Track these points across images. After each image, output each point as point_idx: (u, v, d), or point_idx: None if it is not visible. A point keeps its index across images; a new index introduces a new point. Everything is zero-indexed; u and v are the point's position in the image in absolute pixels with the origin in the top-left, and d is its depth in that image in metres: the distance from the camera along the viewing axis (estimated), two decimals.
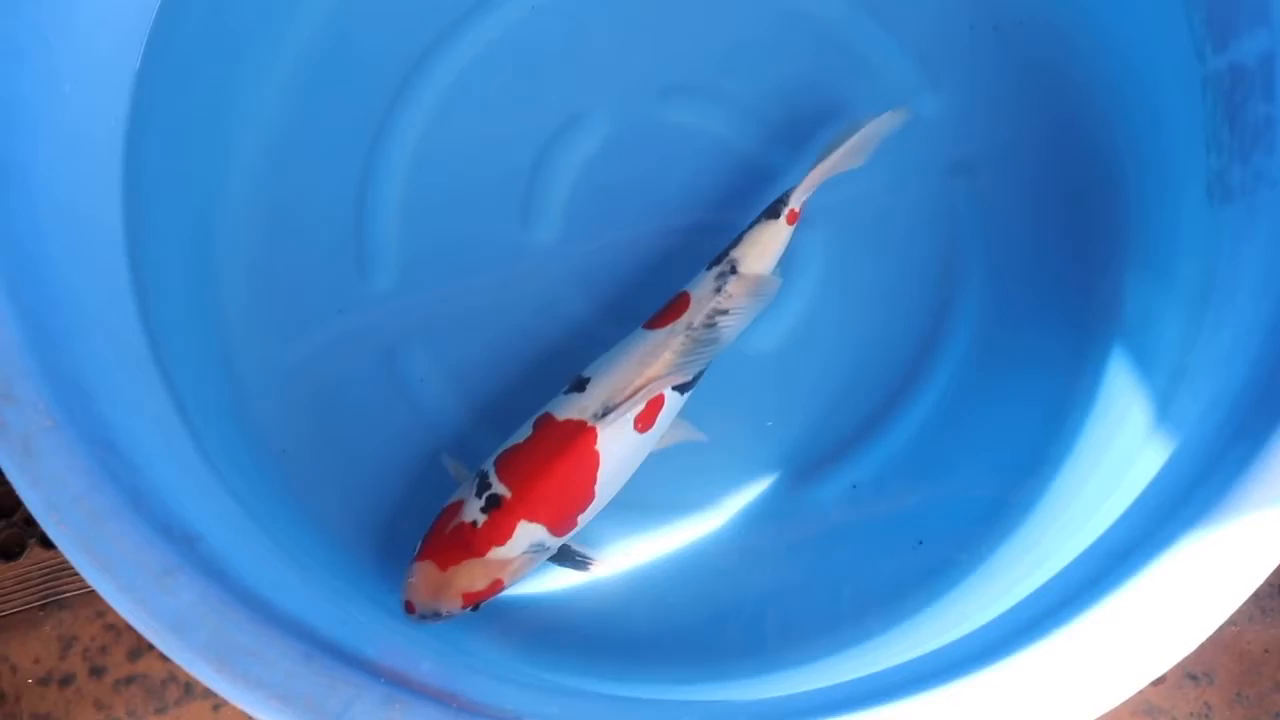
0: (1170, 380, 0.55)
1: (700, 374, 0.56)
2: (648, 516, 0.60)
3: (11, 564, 0.63)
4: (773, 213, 0.57)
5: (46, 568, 0.63)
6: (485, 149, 0.64)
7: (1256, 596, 0.64)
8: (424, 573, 0.52)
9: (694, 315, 0.55)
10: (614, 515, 0.58)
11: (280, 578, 0.47)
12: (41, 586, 0.63)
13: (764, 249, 0.57)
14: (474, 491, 0.53)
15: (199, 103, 0.62)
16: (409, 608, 0.52)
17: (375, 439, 0.60)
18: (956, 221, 0.63)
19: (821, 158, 0.58)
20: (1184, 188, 0.57)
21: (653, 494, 0.60)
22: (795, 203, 0.57)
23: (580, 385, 0.54)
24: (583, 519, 0.55)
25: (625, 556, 0.59)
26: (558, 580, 0.59)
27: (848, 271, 0.63)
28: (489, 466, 0.54)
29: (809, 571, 0.60)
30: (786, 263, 0.60)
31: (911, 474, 0.61)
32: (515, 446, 0.54)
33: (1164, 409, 0.54)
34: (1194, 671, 0.63)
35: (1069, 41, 0.62)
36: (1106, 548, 0.50)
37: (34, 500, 0.42)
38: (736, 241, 0.57)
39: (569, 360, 0.58)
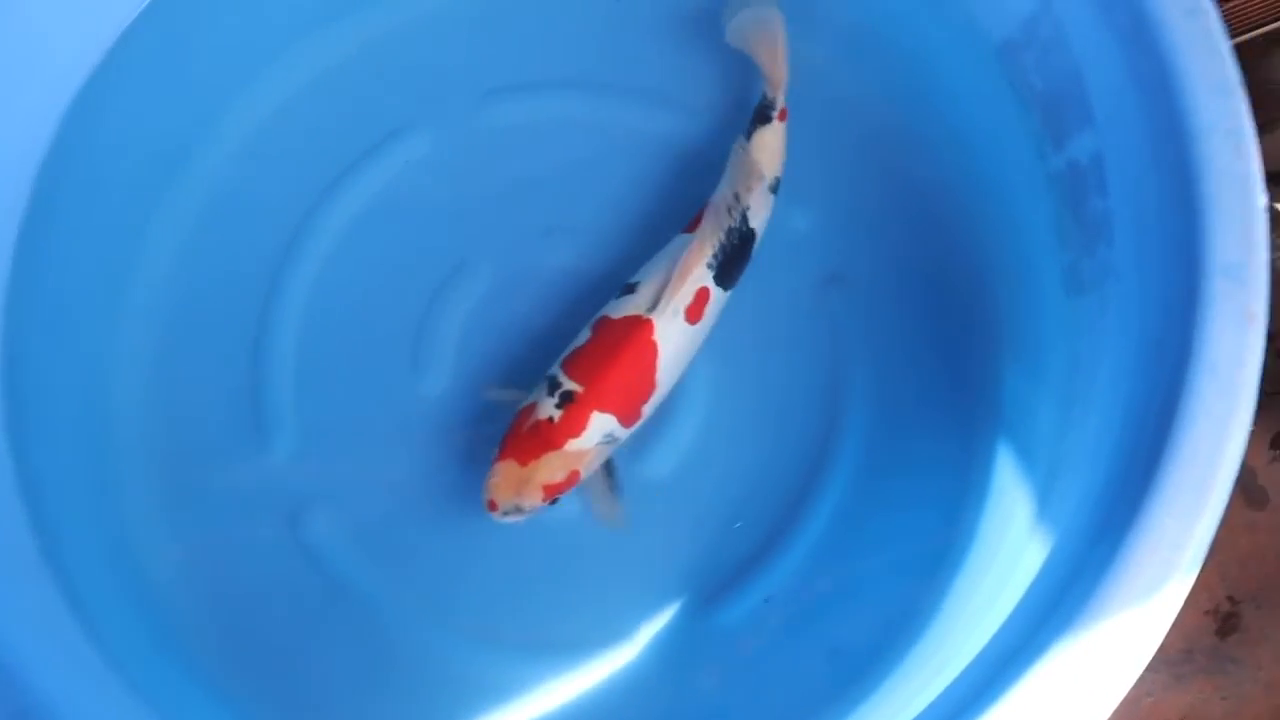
0: (1047, 475, 0.56)
1: (740, 274, 0.60)
2: (552, 657, 0.61)
3: None
4: (764, 119, 0.60)
5: None
6: (375, 302, 0.65)
7: (1169, 663, 0.65)
8: (505, 471, 0.56)
9: (728, 213, 0.58)
10: (516, 658, 0.59)
11: None
12: None
13: (773, 151, 0.60)
14: (545, 392, 0.57)
15: (82, 277, 0.63)
16: (491, 506, 0.56)
17: (285, 613, 0.61)
18: (836, 332, 0.64)
19: (773, 58, 0.60)
20: (1044, 281, 0.59)
21: (556, 632, 0.61)
22: (782, 102, 0.60)
23: (630, 289, 0.58)
24: (646, 409, 0.58)
25: (531, 703, 0.60)
26: None
27: (735, 391, 0.64)
28: (555, 370, 0.57)
29: (726, 697, 0.61)
30: (674, 388, 0.61)
31: (820, 583, 0.62)
32: (577, 349, 0.58)
33: (1043, 505, 0.55)
34: None
35: (923, 146, 0.64)
36: (995, 652, 0.50)
37: None
38: (747, 146, 0.60)
39: (472, 501, 0.60)
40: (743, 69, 0.65)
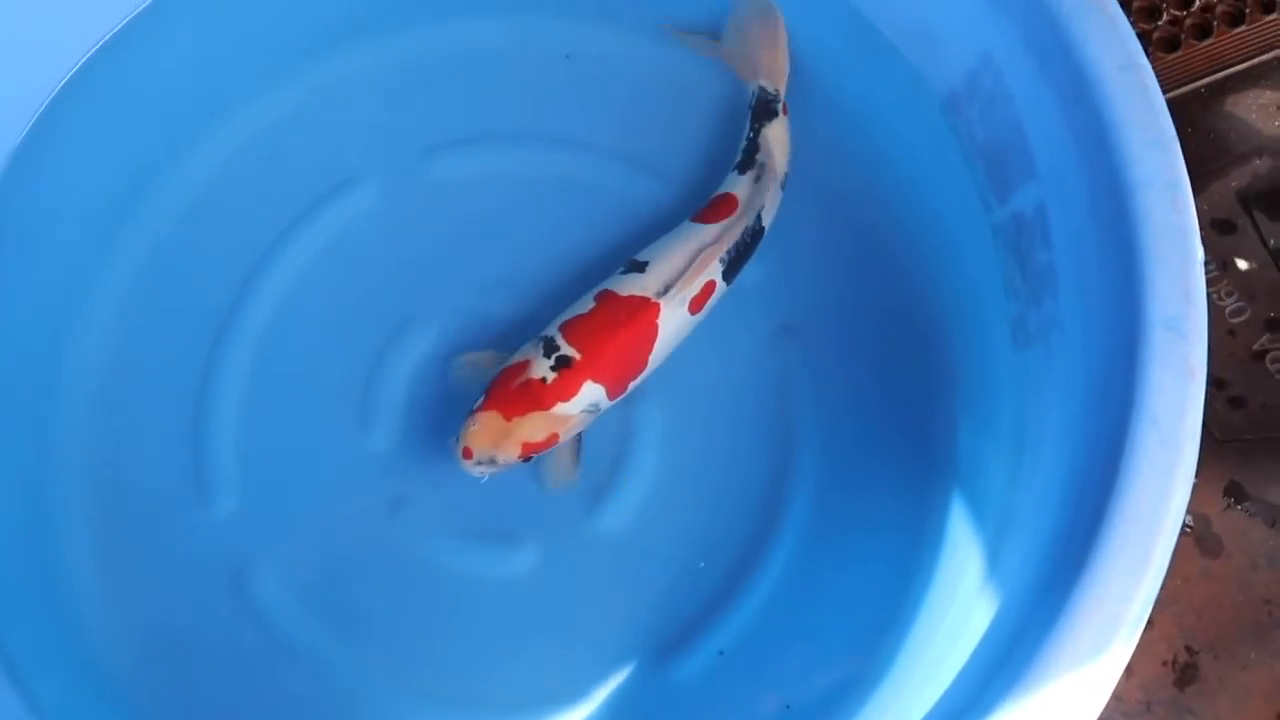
0: (998, 529, 0.56)
1: (741, 270, 0.61)
2: (506, 716, 0.60)
3: None
4: (770, 113, 0.63)
5: None
6: (321, 357, 0.65)
7: (1128, 715, 0.65)
8: (487, 421, 0.56)
9: (744, 211, 0.60)
10: (470, 717, 0.58)
11: None
12: None
13: (782, 145, 0.63)
14: (540, 353, 0.57)
15: (19, 332, 0.63)
16: (466, 453, 0.56)
17: (230, 675, 0.60)
18: (788, 384, 0.64)
19: (774, 48, 0.63)
20: (992, 334, 0.60)
21: (510, 691, 0.60)
22: (784, 97, 0.63)
23: (639, 267, 0.59)
24: (631, 385, 0.59)
25: None
26: None
27: (686, 443, 0.64)
28: (554, 332, 0.58)
29: None
30: (626, 445, 0.63)
31: (774, 636, 0.62)
32: (579, 316, 0.59)
33: (994, 559, 0.55)
34: None
35: (873, 198, 0.65)
36: (945, 710, 0.50)
37: None
38: (754, 146, 0.62)
39: (424, 564, 0.61)
40: (690, 121, 0.66)
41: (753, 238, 0.61)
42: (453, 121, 0.68)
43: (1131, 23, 0.70)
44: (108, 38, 0.64)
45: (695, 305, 0.60)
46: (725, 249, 0.60)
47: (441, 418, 0.64)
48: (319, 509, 0.63)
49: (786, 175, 0.63)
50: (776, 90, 0.63)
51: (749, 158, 0.63)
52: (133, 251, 0.65)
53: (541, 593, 0.62)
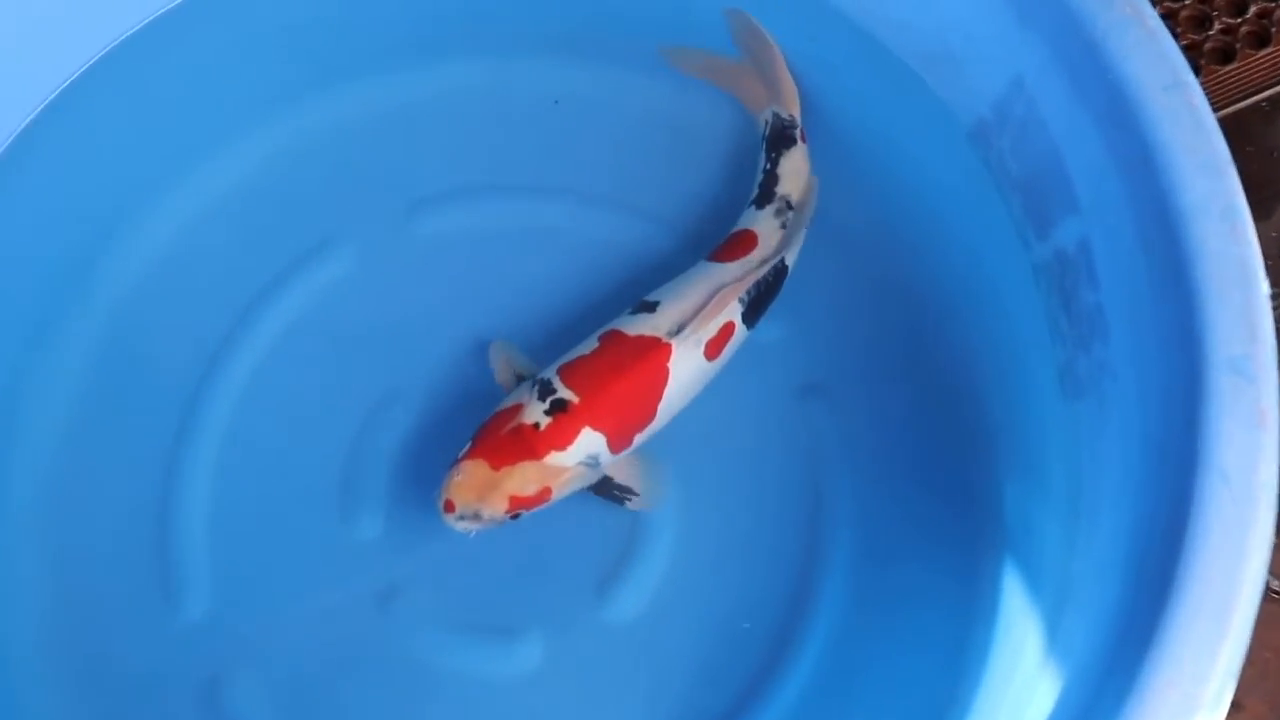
0: (1056, 600, 0.56)
1: (765, 312, 0.61)
2: None
3: None
4: (788, 140, 0.62)
5: None
6: (297, 437, 0.65)
7: None
8: (473, 471, 0.55)
9: (764, 248, 0.60)
10: None
11: None
12: None
13: (801, 174, 0.62)
14: (535, 395, 0.57)
15: None
16: (448, 507, 0.55)
17: None
18: (814, 450, 0.64)
19: (778, 69, 0.63)
20: (1039, 384, 0.59)
21: None
22: (800, 122, 0.62)
23: (649, 307, 0.59)
24: (638, 439, 0.58)
25: None
26: None
27: (704, 521, 0.63)
28: (551, 375, 0.57)
29: None
30: (638, 523, 0.62)
31: None
32: (581, 358, 0.58)
33: (1053, 636, 0.54)
34: None
35: (900, 241, 0.65)
36: None
37: None
38: (772, 178, 0.62)
39: (418, 664, 0.60)
40: (691, 163, 0.66)
41: (775, 277, 0.61)
42: (437, 174, 0.68)
43: (1178, 34, 0.70)
44: (58, 91, 0.65)
45: (712, 349, 0.59)
46: (745, 288, 0.59)
47: (432, 499, 0.63)
48: (299, 607, 0.63)
49: (811, 207, 0.62)
50: (792, 116, 0.63)
51: (767, 191, 0.62)
52: (86, 326, 0.65)
53: (549, 693, 0.61)
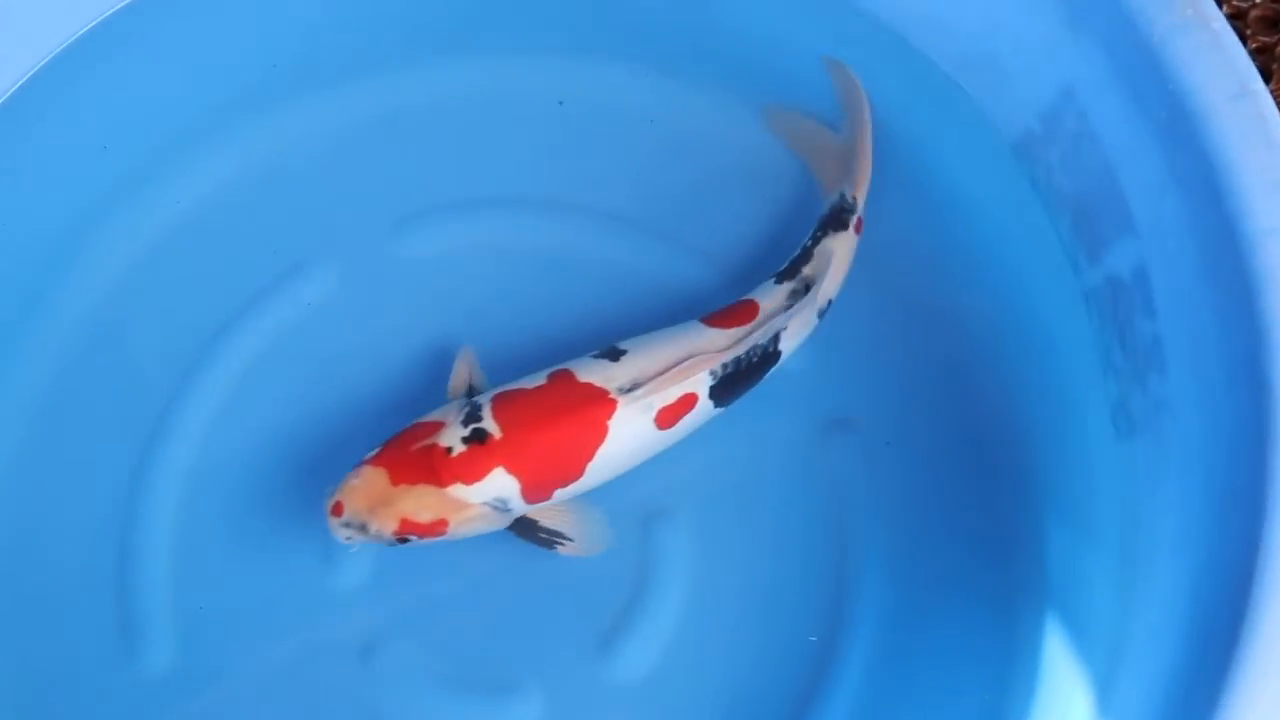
0: (1109, 659, 0.56)
1: (739, 396, 0.60)
2: None
3: None
4: (839, 224, 0.61)
5: None
6: (272, 481, 0.65)
7: None
8: (371, 479, 0.56)
9: (759, 327, 0.59)
10: None
11: None
12: None
13: (842, 268, 0.61)
14: (460, 419, 0.57)
15: None
16: (336, 509, 0.56)
17: None
18: (840, 489, 0.64)
19: (859, 146, 0.62)
20: (1088, 422, 0.60)
21: None
22: (860, 209, 0.62)
23: (614, 355, 0.58)
24: (559, 495, 0.58)
25: None
26: None
27: (718, 569, 0.63)
28: (483, 400, 0.57)
29: None
30: (646, 572, 0.62)
31: None
32: (520, 390, 0.58)
33: (1105, 700, 0.55)
34: None
35: (937, 265, 0.65)
36: None
37: None
38: (806, 256, 0.61)
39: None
40: (714, 180, 0.66)
41: (761, 361, 0.60)
42: (427, 187, 0.68)
43: (1247, 37, 0.70)
44: (17, 85, 0.65)
45: (665, 419, 0.58)
46: (720, 362, 0.58)
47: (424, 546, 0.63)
48: (273, 660, 0.63)
49: (830, 304, 0.62)
50: (854, 199, 0.62)
51: (794, 268, 0.62)
52: (52, 340, 0.66)
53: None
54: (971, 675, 0.61)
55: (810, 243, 0.62)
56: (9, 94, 0.65)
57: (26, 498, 0.64)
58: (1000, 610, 0.61)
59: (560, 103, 0.69)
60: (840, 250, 0.61)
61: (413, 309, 0.67)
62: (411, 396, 0.65)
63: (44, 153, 0.67)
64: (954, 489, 0.64)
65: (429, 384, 0.65)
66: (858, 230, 0.62)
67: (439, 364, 0.65)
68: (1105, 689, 0.55)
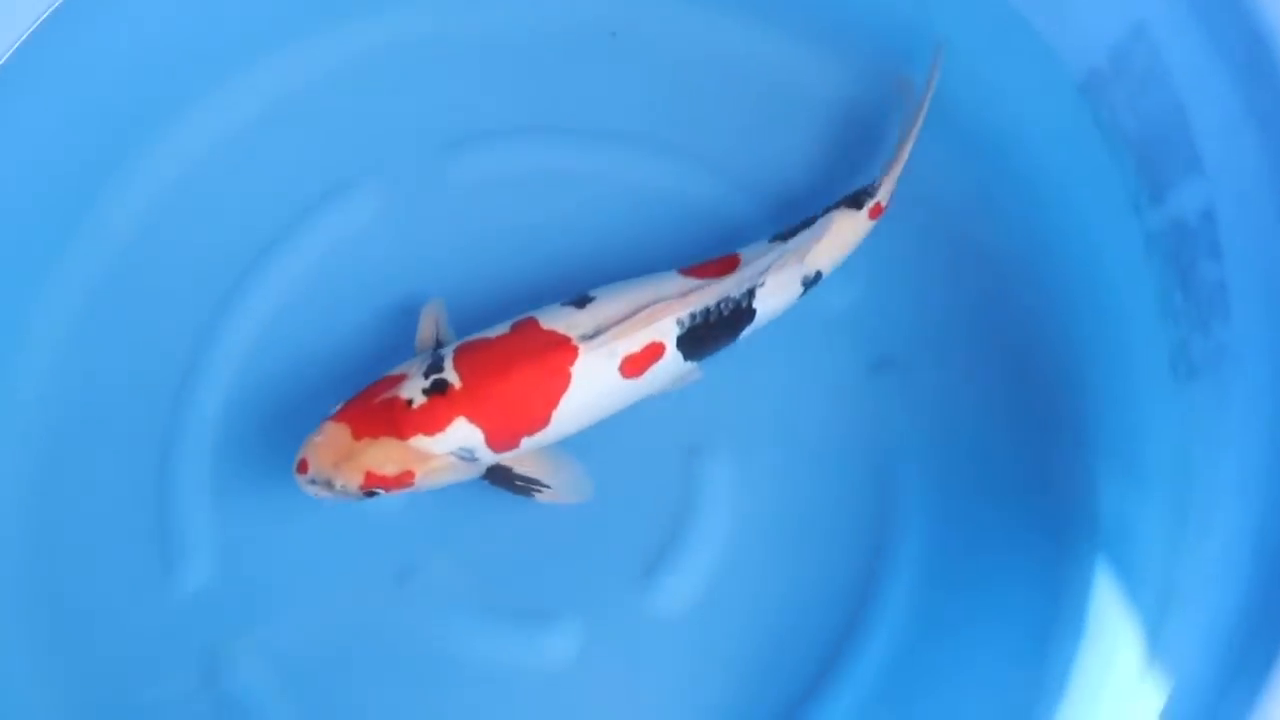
0: (1159, 603, 0.56)
1: (711, 351, 0.59)
2: None
3: None
4: (854, 202, 0.60)
5: None
6: (310, 400, 0.63)
7: None
8: (333, 434, 0.55)
9: (736, 281, 0.58)
10: None
11: None
12: None
13: (838, 242, 0.60)
14: (422, 370, 0.56)
15: None
16: (302, 466, 0.56)
17: None
18: (885, 430, 0.64)
19: (903, 138, 0.60)
20: (1145, 364, 0.59)
21: None
22: (882, 196, 0.60)
23: (581, 302, 0.58)
24: (526, 443, 0.57)
25: None
26: None
27: (762, 508, 0.63)
28: (446, 351, 0.57)
29: None
30: (688, 506, 0.62)
31: None
32: (483, 339, 0.57)
33: (1155, 642, 0.54)
34: None
35: (990, 202, 0.65)
36: None
37: None
38: (808, 223, 0.60)
39: (438, 649, 0.61)
40: (765, 114, 0.66)
41: (734, 316, 0.59)
42: (476, 114, 0.67)
43: None
44: (39, 22, 0.63)
45: (631, 367, 0.57)
46: (689, 311, 0.57)
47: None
48: (309, 581, 0.62)
49: (820, 275, 0.61)
50: (876, 185, 0.60)
51: (792, 231, 0.60)
52: (91, 264, 0.65)
53: (583, 687, 0.61)
54: (1014, 618, 0.60)
55: (820, 212, 0.61)
56: (51, 11, 0.63)
57: (67, 417, 0.63)
58: (1045, 554, 0.61)
59: (613, 34, 0.67)
60: (844, 226, 0.60)
61: (453, 231, 0.66)
62: (448, 312, 0.63)
63: (88, 71, 0.65)
64: (1000, 432, 0.63)
65: (467, 302, 0.64)
66: (872, 215, 0.60)
67: (479, 287, 0.64)
68: (1156, 632, 0.54)
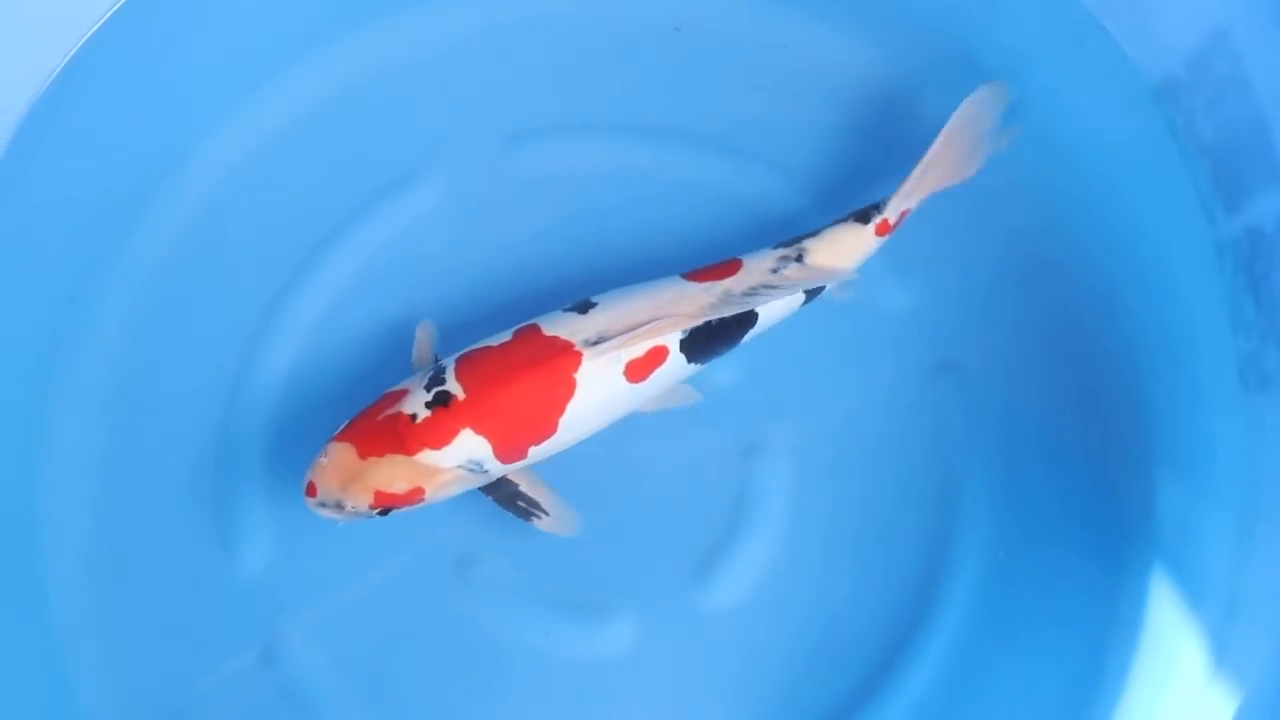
0: (1224, 613, 0.55)
1: (714, 354, 0.58)
2: None
3: None
4: (862, 216, 0.59)
5: None
6: (369, 388, 0.62)
7: None
8: (339, 455, 0.54)
9: (738, 284, 0.57)
10: None
11: None
12: None
13: (840, 251, 0.59)
14: (423, 384, 0.55)
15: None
16: (310, 490, 0.54)
17: None
18: (946, 435, 0.63)
19: (923, 160, 0.59)
20: (1212, 374, 0.59)
21: None
22: (890, 213, 0.59)
23: (583, 307, 0.57)
24: (535, 453, 0.56)
25: None
26: None
27: (818, 507, 0.63)
28: (448, 362, 0.56)
29: None
30: (744, 504, 0.62)
31: None
32: (485, 348, 0.56)
33: (1220, 653, 0.53)
34: None
35: (1057, 207, 0.64)
36: None
37: None
38: (813, 234, 0.59)
39: (494, 639, 0.61)
40: (828, 114, 0.65)
41: (737, 323, 0.58)
42: (539, 107, 0.67)
43: None
44: (107, 17, 0.64)
45: (635, 372, 0.56)
46: (691, 313, 0.57)
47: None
48: (366, 569, 0.62)
49: (820, 290, 0.60)
50: (886, 201, 0.59)
51: (796, 240, 0.60)
52: (152, 250, 0.65)
53: (635, 681, 0.61)
54: (1073, 627, 0.60)
55: (832, 222, 0.60)
56: (122, 4, 0.63)
57: (128, 399, 0.63)
58: (1105, 564, 0.60)
59: (677, 29, 0.67)
60: (848, 241, 0.59)
61: (514, 223, 0.65)
62: (510, 304, 0.64)
63: (159, 57, 0.66)
64: (1062, 439, 0.63)
65: (529, 293, 0.64)
66: (879, 232, 0.59)
67: (540, 275, 0.64)
68: (1221, 644, 0.54)
